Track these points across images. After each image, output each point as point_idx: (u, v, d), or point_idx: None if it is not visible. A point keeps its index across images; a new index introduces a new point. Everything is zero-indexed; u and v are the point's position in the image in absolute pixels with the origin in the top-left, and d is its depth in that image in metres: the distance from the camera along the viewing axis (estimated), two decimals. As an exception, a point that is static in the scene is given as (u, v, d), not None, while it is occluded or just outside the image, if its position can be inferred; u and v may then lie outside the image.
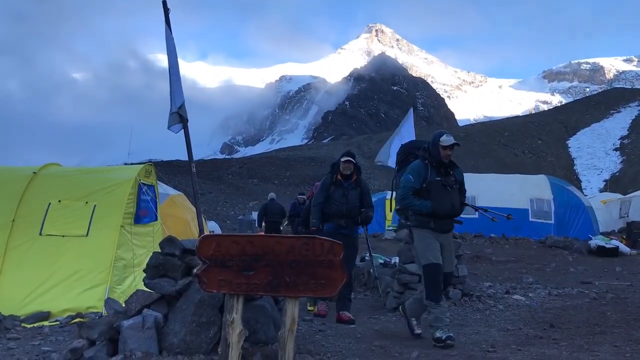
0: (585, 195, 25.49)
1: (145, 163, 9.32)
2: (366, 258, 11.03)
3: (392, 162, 11.83)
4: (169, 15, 5.90)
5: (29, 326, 6.25)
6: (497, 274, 11.09)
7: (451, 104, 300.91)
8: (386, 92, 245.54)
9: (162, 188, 11.09)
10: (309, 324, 6.21)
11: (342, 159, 7.02)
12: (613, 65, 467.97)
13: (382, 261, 10.40)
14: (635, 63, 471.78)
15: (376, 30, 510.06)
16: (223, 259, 3.79)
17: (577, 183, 62.39)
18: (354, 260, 7.09)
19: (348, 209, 6.95)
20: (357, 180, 7.09)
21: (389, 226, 19.27)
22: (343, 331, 5.87)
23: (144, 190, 8.44)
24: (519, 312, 6.99)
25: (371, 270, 10.06)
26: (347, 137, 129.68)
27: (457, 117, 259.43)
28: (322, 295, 3.89)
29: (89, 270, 7.13)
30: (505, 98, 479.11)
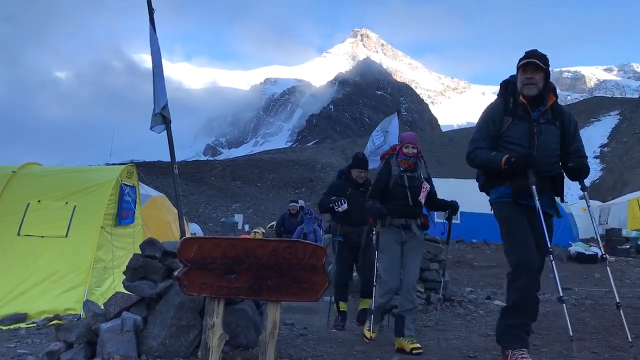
0: (566, 202, 25.79)
1: (127, 164, 9.21)
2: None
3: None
4: (154, 15, 5.85)
5: (4, 328, 6.14)
6: (478, 279, 11.17)
7: (435, 110, 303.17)
8: (371, 96, 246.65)
9: (144, 189, 10.98)
10: (290, 328, 6.18)
11: (522, 63, 3.88)
12: (594, 74, 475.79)
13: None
14: (615, 73, 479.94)
15: (361, 35, 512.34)
16: (204, 261, 3.74)
17: (558, 190, 62.97)
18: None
19: (543, 160, 3.84)
20: (555, 107, 3.97)
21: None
22: (324, 335, 5.85)
23: (126, 191, 8.35)
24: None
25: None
26: (331, 141, 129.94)
27: (441, 122, 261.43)
28: (304, 299, 3.86)
29: (67, 271, 7.02)
30: (488, 104, 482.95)
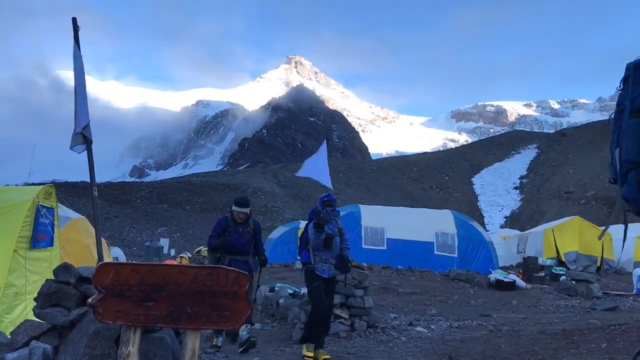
0: (487, 231, 26.77)
1: (47, 184, 8.82)
2: (276, 288, 10.98)
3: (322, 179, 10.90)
4: (79, 32, 5.70)
5: None
6: (402, 306, 11.35)
7: (365, 138, 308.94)
8: (303, 122, 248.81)
9: (63, 211, 10.52)
10: (211, 357, 6.05)
11: None
12: (515, 109, 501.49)
13: (291, 291, 10.37)
14: (534, 108, 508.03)
15: (295, 62, 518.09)
16: (121, 288, 3.62)
17: (480, 218, 65.54)
18: None
19: None
20: None
21: (300, 256, 19.27)
22: (247, 364, 5.76)
23: (42, 213, 7.97)
24: (420, 343, 7.16)
25: (280, 300, 10.01)
26: (263, 165, 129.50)
27: (371, 150, 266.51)
28: (225, 327, 3.80)
29: (-26, 297, 6.60)
30: (416, 135, 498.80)
